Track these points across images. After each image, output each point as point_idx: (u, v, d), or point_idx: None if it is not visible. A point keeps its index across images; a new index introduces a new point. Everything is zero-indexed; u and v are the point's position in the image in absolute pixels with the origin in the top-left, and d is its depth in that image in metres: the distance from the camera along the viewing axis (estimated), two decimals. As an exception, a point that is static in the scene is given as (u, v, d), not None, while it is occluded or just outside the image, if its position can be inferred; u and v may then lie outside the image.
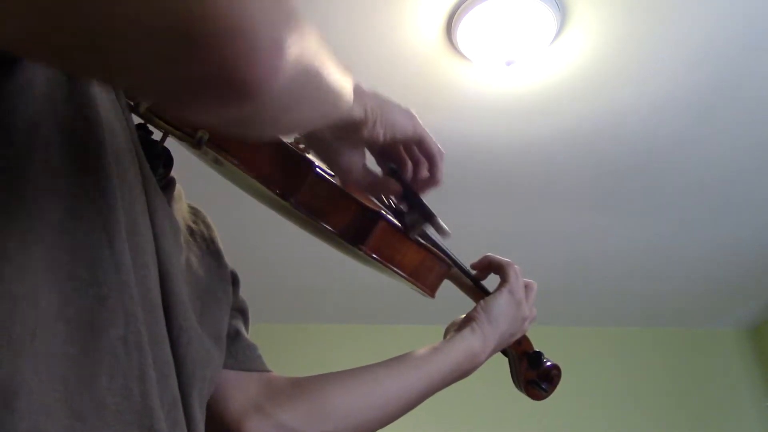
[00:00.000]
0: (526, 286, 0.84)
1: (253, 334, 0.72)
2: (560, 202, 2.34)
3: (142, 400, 0.40)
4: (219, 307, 0.62)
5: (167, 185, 0.63)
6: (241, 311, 0.71)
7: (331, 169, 0.64)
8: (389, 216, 0.69)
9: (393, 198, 0.69)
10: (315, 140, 0.61)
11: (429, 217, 0.67)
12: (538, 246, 2.55)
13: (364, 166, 0.63)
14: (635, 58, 1.77)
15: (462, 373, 0.75)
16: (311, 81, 0.39)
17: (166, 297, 0.48)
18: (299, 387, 0.69)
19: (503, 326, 0.77)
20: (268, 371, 0.70)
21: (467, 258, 0.82)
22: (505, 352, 0.87)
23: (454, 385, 0.76)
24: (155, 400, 0.41)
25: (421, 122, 0.65)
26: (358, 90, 0.54)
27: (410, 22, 1.64)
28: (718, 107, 1.95)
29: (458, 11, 1.60)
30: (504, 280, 0.81)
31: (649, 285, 2.85)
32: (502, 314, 0.78)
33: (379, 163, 0.67)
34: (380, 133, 0.59)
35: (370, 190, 0.66)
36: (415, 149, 0.66)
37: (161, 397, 0.43)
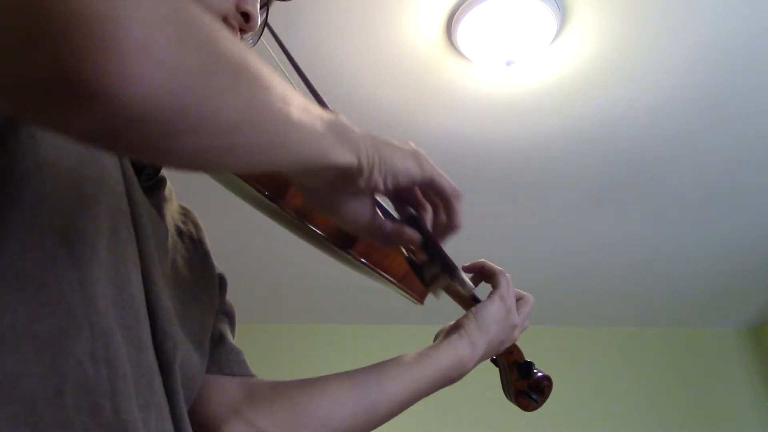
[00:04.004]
0: (522, 298, 0.82)
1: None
2: (560, 202, 2.34)
3: (114, 415, 0.39)
4: (201, 310, 0.61)
5: (157, 185, 0.62)
6: (227, 314, 0.70)
7: (336, 221, 0.58)
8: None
9: (411, 248, 0.61)
10: (304, 190, 0.54)
11: (451, 270, 0.60)
12: (538, 245, 2.55)
13: (374, 215, 0.56)
14: (635, 58, 1.77)
15: (448, 380, 0.73)
16: (225, 101, 0.33)
17: (150, 302, 0.47)
18: (280, 392, 0.68)
19: (492, 333, 0.75)
20: (251, 375, 0.69)
21: (466, 258, 0.81)
22: (495, 362, 0.85)
23: (445, 389, 0.74)
24: (132, 412, 0.40)
25: (429, 160, 0.56)
26: (346, 131, 0.48)
27: (410, 22, 1.64)
28: (717, 106, 1.95)
29: (458, 11, 1.60)
30: (495, 288, 0.79)
31: (649, 285, 2.85)
32: (493, 321, 0.75)
33: (396, 208, 0.59)
34: (380, 182, 0.51)
35: (385, 240, 0.57)
36: (429, 192, 0.58)
37: (143, 406, 0.42)
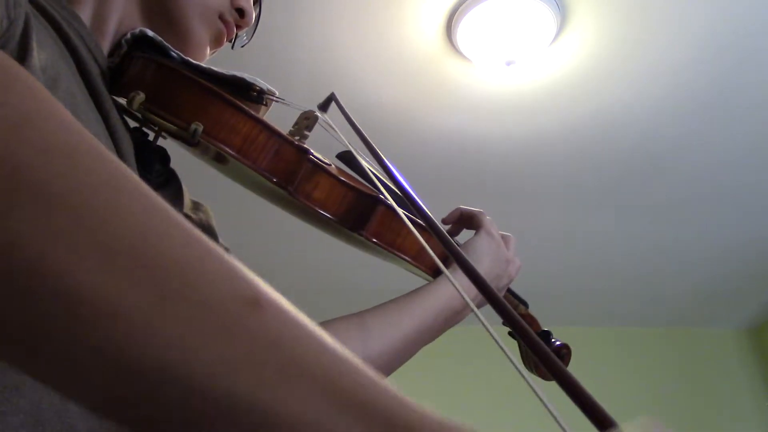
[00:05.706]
0: (503, 237, 0.82)
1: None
2: (560, 202, 2.34)
3: None
4: None
5: (167, 181, 0.62)
6: None
7: None
8: (387, 200, 0.67)
9: None
10: None
11: None
12: (538, 245, 2.55)
13: None
14: (635, 58, 1.77)
15: (453, 312, 0.71)
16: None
17: None
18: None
19: (486, 265, 0.75)
20: None
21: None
22: (513, 335, 0.86)
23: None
24: None
25: None
26: None
27: (410, 22, 1.65)
28: (717, 106, 1.95)
29: (458, 11, 1.60)
30: (479, 227, 0.79)
31: (649, 285, 2.85)
32: (484, 254, 0.75)
33: None
34: None
35: None
36: None
37: None
